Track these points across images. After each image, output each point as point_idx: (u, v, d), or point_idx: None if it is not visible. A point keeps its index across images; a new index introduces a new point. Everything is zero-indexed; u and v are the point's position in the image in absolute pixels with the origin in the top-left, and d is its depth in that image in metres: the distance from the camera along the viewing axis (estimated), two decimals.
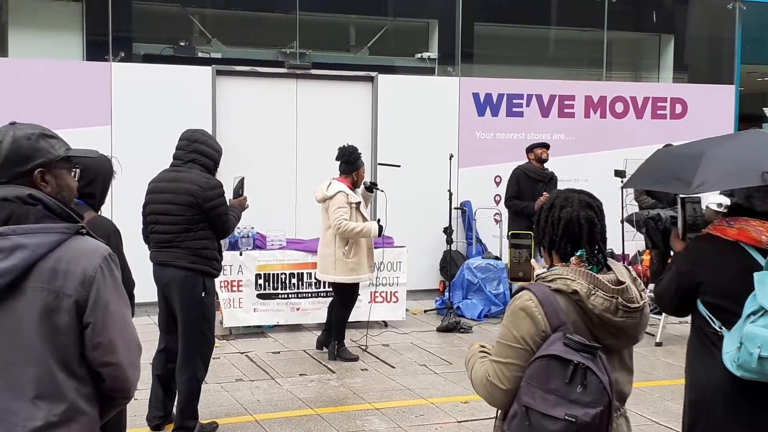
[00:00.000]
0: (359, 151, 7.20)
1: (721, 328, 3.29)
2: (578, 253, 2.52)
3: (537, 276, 2.58)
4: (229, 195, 5.40)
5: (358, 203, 7.05)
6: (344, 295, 7.27)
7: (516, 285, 2.78)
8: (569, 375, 2.32)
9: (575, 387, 2.33)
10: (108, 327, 2.26)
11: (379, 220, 7.16)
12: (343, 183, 7.06)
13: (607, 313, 2.43)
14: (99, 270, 2.25)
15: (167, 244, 5.18)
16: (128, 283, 3.83)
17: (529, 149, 9.10)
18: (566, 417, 2.32)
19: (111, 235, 3.76)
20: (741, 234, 3.33)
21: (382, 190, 7.52)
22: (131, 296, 3.87)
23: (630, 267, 2.64)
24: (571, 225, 2.53)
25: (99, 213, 3.90)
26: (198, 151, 5.21)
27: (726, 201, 7.63)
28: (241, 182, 5.57)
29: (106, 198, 3.98)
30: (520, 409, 2.39)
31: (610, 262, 2.59)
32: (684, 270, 3.44)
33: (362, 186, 7.27)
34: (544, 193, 8.74)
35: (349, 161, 7.12)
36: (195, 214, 5.11)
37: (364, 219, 7.10)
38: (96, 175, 3.85)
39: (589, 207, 2.56)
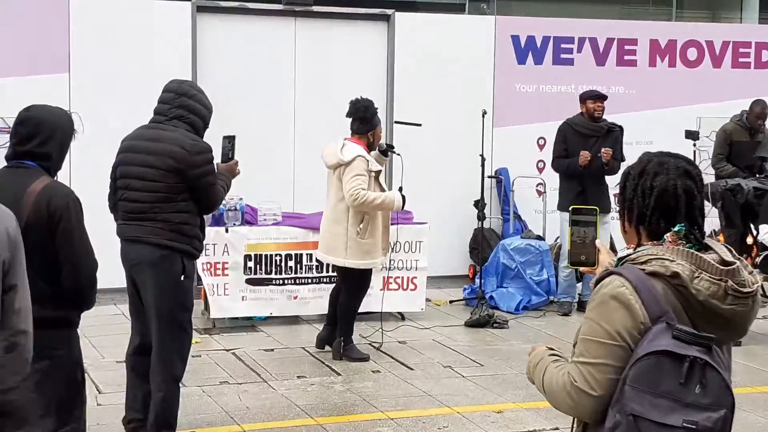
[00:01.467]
0: (375, 107, 7.20)
1: None
2: (676, 229, 2.53)
3: (622, 258, 2.59)
4: (216, 158, 5.42)
5: (379, 172, 7.07)
6: (354, 283, 7.30)
7: (581, 270, 2.79)
8: (684, 373, 2.35)
9: (692, 387, 2.36)
10: None
11: (401, 189, 7.17)
12: (360, 145, 7.06)
13: (714, 299, 2.45)
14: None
15: (140, 216, 5.20)
16: (89, 265, 3.87)
17: (582, 99, 9.08)
18: (685, 425, 2.34)
19: (70, 203, 3.79)
20: None
21: (398, 154, 7.52)
22: (93, 280, 3.90)
23: (730, 247, 2.63)
24: (666, 196, 2.55)
25: (55, 179, 3.93)
26: (185, 107, 5.22)
27: None
28: (231, 142, 5.56)
29: (63, 162, 4.01)
30: (626, 419, 2.40)
31: (709, 241, 2.60)
32: None
33: (376, 149, 7.28)
34: (603, 150, 8.73)
35: (364, 118, 7.12)
36: (177, 182, 5.12)
37: (382, 189, 7.12)
38: (53, 133, 3.87)
39: (687, 175, 2.57)
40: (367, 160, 6.98)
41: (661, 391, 2.37)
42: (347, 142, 7.09)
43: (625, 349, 2.46)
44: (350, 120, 7.19)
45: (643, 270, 2.50)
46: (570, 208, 2.92)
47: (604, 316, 2.50)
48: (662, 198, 2.56)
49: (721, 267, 2.47)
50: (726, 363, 2.46)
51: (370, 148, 7.15)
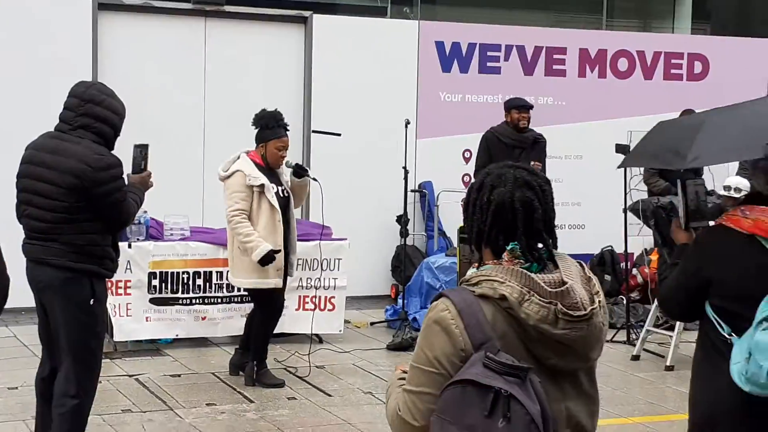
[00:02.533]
0: (279, 119, 7.12)
1: (731, 335, 3.53)
2: (509, 247, 2.51)
3: (462, 279, 2.58)
4: (127, 169, 5.34)
5: (262, 186, 6.99)
6: (259, 304, 7.30)
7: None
8: (489, 405, 2.33)
9: (496, 420, 2.33)
10: None
11: (277, 251, 6.97)
12: (253, 159, 7.07)
13: (545, 324, 2.43)
14: None
15: (43, 236, 5.11)
16: (4, 280, 3.76)
17: (507, 107, 9.18)
18: None
19: None
20: (757, 226, 3.56)
21: (314, 179, 7.37)
22: (6, 297, 3.80)
23: (583, 264, 2.63)
24: (503, 209, 2.53)
25: None
26: (92, 115, 5.10)
27: (743, 184, 7.81)
28: (144, 152, 5.48)
29: None
30: None
31: (559, 257, 2.59)
32: (692, 268, 3.71)
33: (286, 167, 7.24)
34: (533, 162, 8.80)
35: (258, 129, 7.14)
36: (79, 201, 5.03)
37: (272, 206, 7.02)
38: None
39: (527, 186, 2.55)
40: (246, 175, 6.94)
41: (466, 424, 2.35)
42: (242, 155, 7.12)
43: (444, 376, 2.43)
44: None
45: (473, 291, 2.47)
46: (458, 227, 2.92)
47: (426, 342, 2.48)
48: (499, 213, 2.53)
49: (550, 289, 2.45)
50: (543, 395, 2.41)
51: (267, 163, 7.10)
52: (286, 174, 7.27)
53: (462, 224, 2.88)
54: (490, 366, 2.36)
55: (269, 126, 7.09)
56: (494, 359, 2.37)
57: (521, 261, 2.51)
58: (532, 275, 2.47)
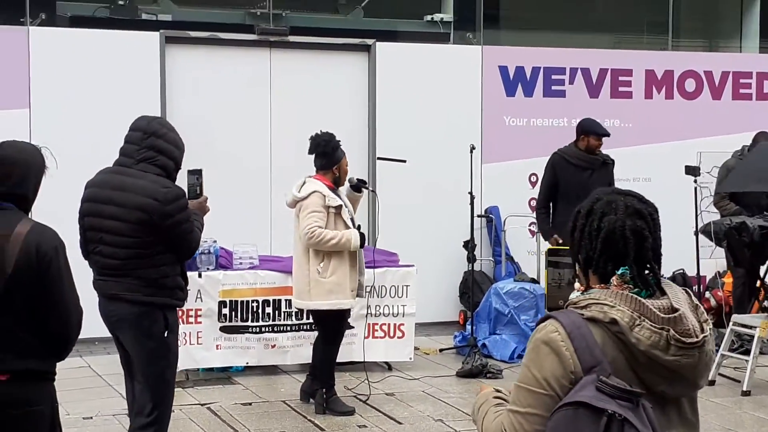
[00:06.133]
0: (337, 139, 7.23)
1: None
2: (620, 272, 2.53)
3: (568, 301, 2.60)
4: None
5: (339, 207, 7.06)
6: (327, 327, 7.31)
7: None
8: (602, 428, 2.34)
9: None
10: None
11: (359, 227, 7.16)
12: (322, 181, 7.12)
13: (656, 350, 2.45)
14: None
15: (115, 272, 5.13)
16: (78, 311, 3.79)
17: (585, 132, 8.80)
18: None
19: (58, 247, 3.74)
20: None
21: (372, 190, 7.56)
22: (80, 327, 3.83)
23: (689, 291, 2.65)
24: (614, 237, 2.55)
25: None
26: (155, 147, 5.11)
27: None
28: (198, 177, 5.48)
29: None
30: None
31: (666, 284, 2.61)
32: None
33: (347, 185, 7.32)
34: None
35: (325, 153, 7.17)
36: (149, 235, 5.04)
37: (346, 227, 7.11)
38: (28, 171, 3.81)
39: (638, 215, 2.58)
40: (324, 196, 7.00)
41: None
42: (308, 179, 7.16)
43: (553, 398, 2.45)
44: (314, 157, 7.23)
45: (582, 314, 2.49)
46: (545, 250, 2.91)
47: (535, 363, 2.50)
48: (609, 240, 2.55)
49: (663, 315, 2.46)
50: (655, 421, 2.40)
51: (336, 183, 7.19)
52: (342, 194, 7.31)
53: (549, 246, 2.93)
54: (603, 389, 2.38)
55: (337, 146, 7.18)
56: (607, 382, 2.39)
57: (630, 286, 2.53)
58: (643, 300, 2.48)
